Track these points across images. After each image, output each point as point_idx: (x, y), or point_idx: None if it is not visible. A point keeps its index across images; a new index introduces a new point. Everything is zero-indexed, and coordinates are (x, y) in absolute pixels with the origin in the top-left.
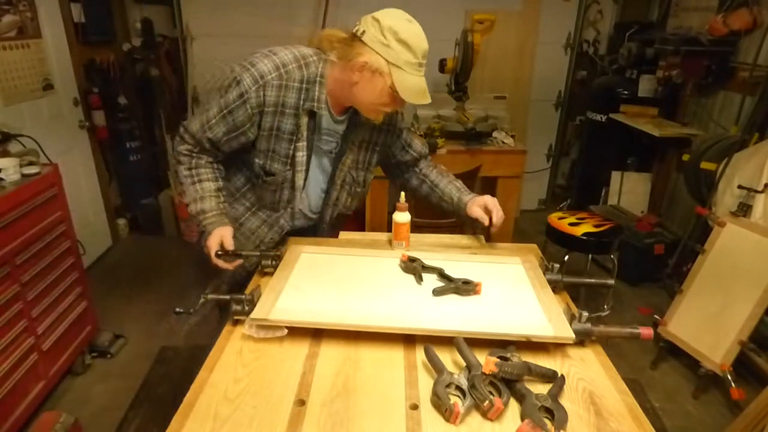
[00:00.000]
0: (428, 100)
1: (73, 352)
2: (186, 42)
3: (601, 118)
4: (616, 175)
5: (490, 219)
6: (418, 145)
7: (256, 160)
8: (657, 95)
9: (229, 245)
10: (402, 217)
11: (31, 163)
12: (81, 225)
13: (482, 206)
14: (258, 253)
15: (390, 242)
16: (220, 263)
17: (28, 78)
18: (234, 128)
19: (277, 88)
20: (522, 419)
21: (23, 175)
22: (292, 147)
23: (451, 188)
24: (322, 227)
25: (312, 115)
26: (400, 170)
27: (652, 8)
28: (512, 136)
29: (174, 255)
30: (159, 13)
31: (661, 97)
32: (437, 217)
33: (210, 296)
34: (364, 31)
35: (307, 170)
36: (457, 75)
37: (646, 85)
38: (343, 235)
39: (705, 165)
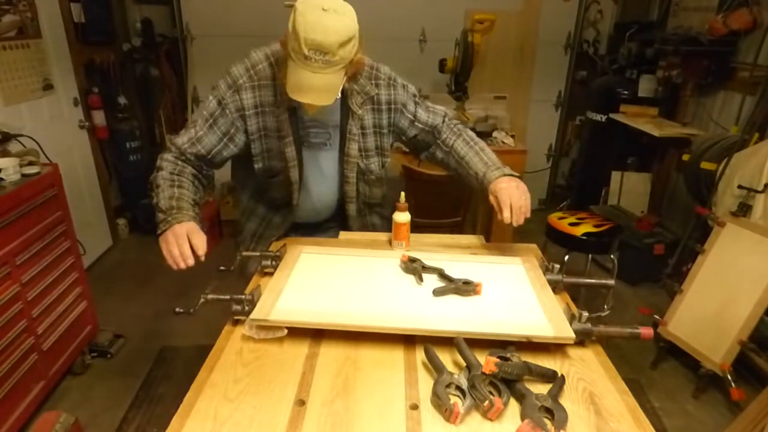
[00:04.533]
0: (308, 100)
1: (73, 352)
2: (186, 42)
3: (601, 118)
4: (616, 175)
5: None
6: (430, 115)
7: (256, 166)
8: (657, 95)
9: (200, 243)
10: (402, 217)
11: (31, 163)
12: (81, 225)
13: (506, 193)
14: (259, 254)
15: (390, 242)
16: (175, 253)
17: (28, 78)
18: (222, 136)
19: (251, 90)
20: (522, 419)
21: (23, 175)
22: (281, 143)
23: (478, 162)
24: (351, 222)
25: (292, 109)
26: (420, 146)
27: (652, 8)
28: (512, 136)
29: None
30: (159, 13)
31: (661, 97)
32: (437, 217)
33: (210, 296)
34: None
35: (300, 166)
36: (457, 75)
37: (646, 85)
38: (343, 235)
39: (705, 165)
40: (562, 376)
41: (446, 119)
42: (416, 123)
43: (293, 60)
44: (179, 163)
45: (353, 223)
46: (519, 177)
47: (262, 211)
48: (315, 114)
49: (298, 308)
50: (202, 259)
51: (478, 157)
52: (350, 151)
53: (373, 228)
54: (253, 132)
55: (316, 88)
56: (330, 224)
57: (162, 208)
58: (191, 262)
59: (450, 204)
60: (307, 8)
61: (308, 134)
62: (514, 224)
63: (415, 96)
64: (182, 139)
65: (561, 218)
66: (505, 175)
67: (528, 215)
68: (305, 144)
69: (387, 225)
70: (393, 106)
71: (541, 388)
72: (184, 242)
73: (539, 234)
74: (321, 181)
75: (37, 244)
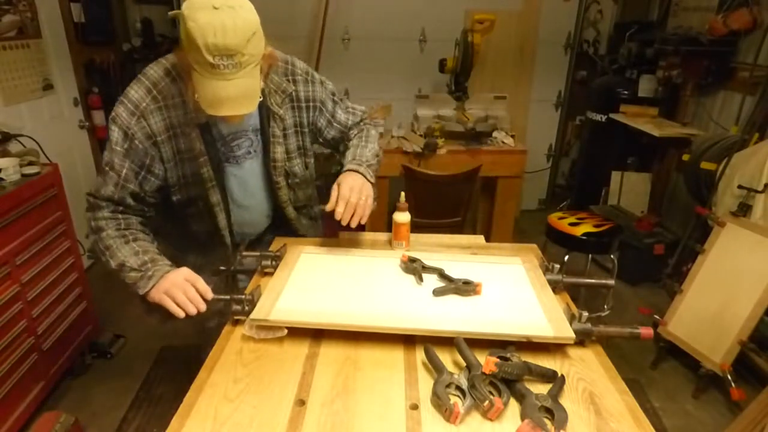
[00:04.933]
0: (230, 111)
1: (73, 352)
2: None
3: (601, 118)
4: (616, 175)
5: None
6: (349, 116)
7: (174, 198)
8: (657, 95)
9: (205, 288)
10: (402, 217)
11: (31, 163)
12: (81, 225)
13: (347, 187)
14: (258, 253)
15: (390, 242)
16: (182, 299)
17: (28, 78)
18: (139, 170)
19: (158, 112)
20: (522, 419)
21: (23, 175)
22: (196, 164)
23: (349, 155)
24: (296, 225)
25: (204, 125)
26: (337, 147)
27: (652, 8)
28: (512, 136)
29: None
30: (159, 13)
31: (661, 97)
32: (437, 217)
33: (210, 296)
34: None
35: (221, 185)
36: (457, 75)
37: (646, 85)
38: (343, 235)
39: (705, 165)
40: (562, 376)
41: (361, 120)
42: (334, 123)
43: (199, 73)
44: (119, 216)
45: (298, 226)
46: (372, 182)
47: (195, 246)
48: (236, 124)
49: (298, 308)
50: (210, 298)
51: (352, 151)
52: (276, 156)
53: (303, 229)
54: (169, 158)
55: (235, 96)
56: (268, 236)
57: (133, 266)
58: (203, 306)
59: (450, 204)
60: (196, 12)
61: (230, 148)
62: (343, 223)
63: (333, 94)
64: (108, 189)
65: (561, 218)
66: (357, 171)
67: (363, 220)
68: (230, 160)
69: (315, 225)
70: (312, 104)
71: (541, 388)
72: (190, 288)
73: (539, 234)
74: (250, 193)
75: (37, 244)
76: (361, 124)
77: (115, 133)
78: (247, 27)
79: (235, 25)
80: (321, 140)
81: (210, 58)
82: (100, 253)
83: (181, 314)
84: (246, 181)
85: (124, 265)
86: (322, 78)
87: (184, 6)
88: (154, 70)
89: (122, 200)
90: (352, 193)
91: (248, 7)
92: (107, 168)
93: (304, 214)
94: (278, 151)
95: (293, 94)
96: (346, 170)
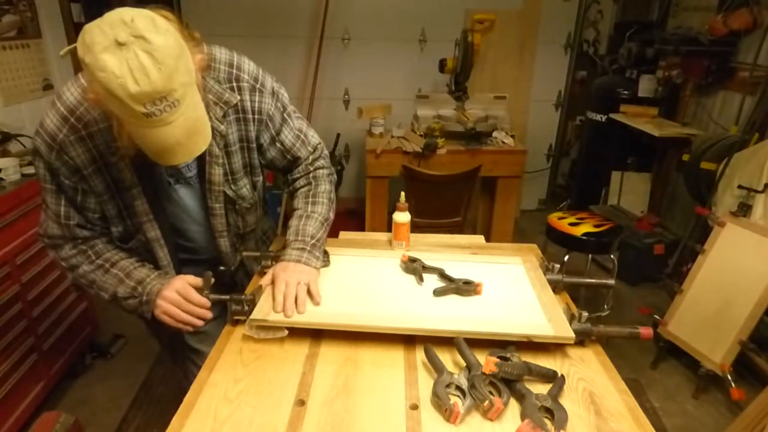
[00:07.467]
0: (185, 158)
1: (73, 352)
2: None
3: (601, 118)
4: (616, 175)
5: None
6: (297, 143)
7: (114, 229)
8: (657, 95)
9: (197, 298)
10: (402, 217)
11: (31, 163)
12: None
13: (282, 281)
14: (258, 253)
15: (390, 242)
16: (185, 318)
17: (28, 78)
18: (76, 204)
19: (79, 143)
20: (522, 419)
21: (23, 175)
22: (128, 196)
23: (292, 228)
24: (227, 259)
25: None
26: (277, 170)
27: (652, 8)
28: (512, 136)
29: None
30: None
31: (661, 97)
32: (437, 217)
33: (211, 296)
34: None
35: (161, 218)
36: (457, 75)
37: (646, 85)
38: (343, 235)
39: (705, 165)
40: (562, 376)
41: (311, 157)
42: (276, 144)
43: (131, 123)
44: (83, 248)
45: (229, 261)
46: (316, 267)
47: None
48: None
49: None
50: (208, 306)
51: (295, 225)
52: (213, 178)
53: (234, 262)
54: (102, 192)
55: (185, 137)
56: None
57: (125, 295)
58: (208, 314)
59: (450, 204)
60: (99, 57)
61: (174, 171)
62: (285, 315)
63: (285, 109)
64: (53, 228)
65: (561, 218)
66: (299, 261)
67: (302, 310)
68: (170, 184)
69: (259, 246)
70: (258, 116)
71: (541, 388)
72: (186, 304)
73: (539, 234)
74: (189, 221)
75: (37, 244)
76: (311, 168)
77: (41, 170)
78: (170, 55)
79: (155, 61)
80: (259, 158)
81: (140, 109)
82: (86, 288)
83: (189, 329)
84: (183, 209)
85: (116, 296)
86: (274, 86)
87: (80, 50)
88: (71, 92)
89: (74, 235)
90: (288, 287)
91: (162, 27)
92: (45, 207)
93: (251, 239)
94: (216, 173)
95: (238, 104)
96: (283, 260)
